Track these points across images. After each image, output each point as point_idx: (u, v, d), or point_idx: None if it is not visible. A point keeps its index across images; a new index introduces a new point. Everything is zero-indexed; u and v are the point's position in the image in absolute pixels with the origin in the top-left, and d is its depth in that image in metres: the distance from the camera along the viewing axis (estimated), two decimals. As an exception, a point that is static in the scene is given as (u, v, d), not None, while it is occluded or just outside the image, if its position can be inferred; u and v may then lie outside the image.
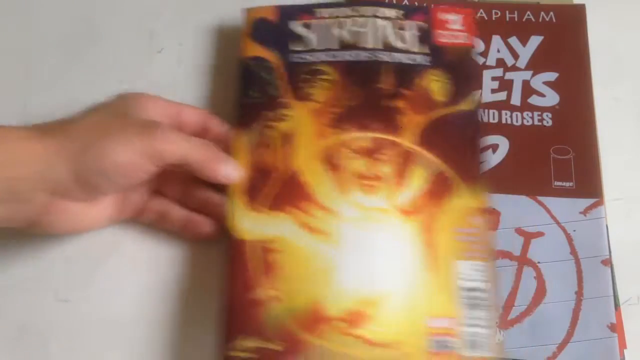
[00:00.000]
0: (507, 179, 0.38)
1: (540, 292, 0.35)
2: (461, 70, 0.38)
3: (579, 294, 0.34)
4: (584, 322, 0.34)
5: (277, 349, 0.33)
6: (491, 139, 0.39)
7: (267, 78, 0.40)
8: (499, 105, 0.40)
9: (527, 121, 0.40)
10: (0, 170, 0.29)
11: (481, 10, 0.43)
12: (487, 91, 0.41)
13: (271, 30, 0.42)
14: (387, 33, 0.40)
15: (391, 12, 0.41)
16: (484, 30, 0.42)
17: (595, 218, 0.36)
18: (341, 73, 0.38)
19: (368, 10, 0.42)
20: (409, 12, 0.41)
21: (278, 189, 0.37)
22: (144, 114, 0.34)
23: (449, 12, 0.40)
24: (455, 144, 0.36)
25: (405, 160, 0.36)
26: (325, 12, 0.43)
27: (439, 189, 0.36)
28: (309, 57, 0.41)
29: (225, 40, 0.45)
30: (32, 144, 0.30)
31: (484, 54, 0.42)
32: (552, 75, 0.41)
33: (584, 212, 0.36)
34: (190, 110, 0.38)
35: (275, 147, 0.38)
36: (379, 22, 0.41)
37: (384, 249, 0.35)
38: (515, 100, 0.40)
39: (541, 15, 0.43)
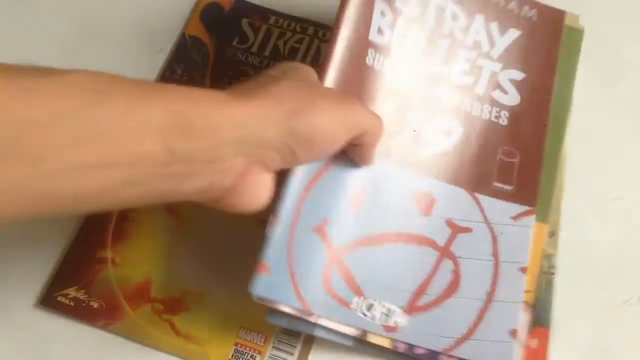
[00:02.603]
0: (450, 168, 0.37)
1: (453, 286, 0.34)
2: None
3: (490, 294, 0.35)
4: (487, 323, 0.34)
5: (94, 305, 0.36)
6: (448, 123, 0.38)
7: (197, 60, 0.42)
8: (464, 90, 0.38)
9: (485, 115, 0.38)
10: (202, 138, 0.25)
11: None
12: (458, 71, 0.39)
13: (220, 17, 0.43)
14: (320, 53, 0.42)
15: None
16: (471, 5, 0.40)
17: (524, 226, 0.36)
18: None
19: (313, 29, 0.43)
20: None
21: None
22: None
23: None
24: None
25: None
26: (275, 19, 0.44)
27: None
28: (241, 56, 0.42)
29: None
30: (233, 107, 0.26)
31: (465, 30, 0.39)
32: (519, 75, 0.39)
33: (515, 217, 0.36)
34: None
35: None
36: (317, 43, 0.43)
37: (225, 247, 0.37)
38: (480, 89, 0.39)
39: (524, 10, 0.41)
